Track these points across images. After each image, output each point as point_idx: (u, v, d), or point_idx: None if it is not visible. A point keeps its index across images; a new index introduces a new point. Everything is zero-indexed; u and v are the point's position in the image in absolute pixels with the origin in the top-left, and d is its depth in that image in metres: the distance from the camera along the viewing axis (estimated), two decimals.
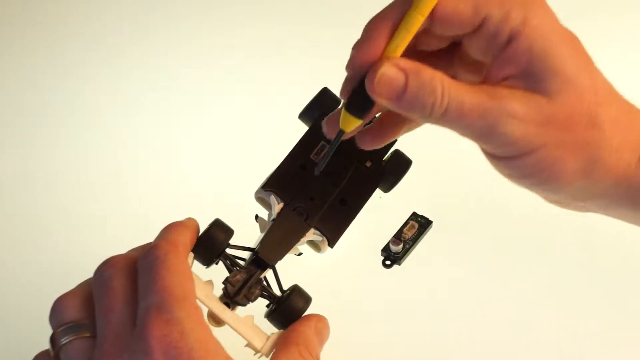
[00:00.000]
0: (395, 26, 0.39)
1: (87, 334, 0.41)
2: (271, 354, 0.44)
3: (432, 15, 0.39)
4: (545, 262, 0.64)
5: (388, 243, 0.65)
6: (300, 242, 0.48)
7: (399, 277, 0.64)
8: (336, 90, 0.50)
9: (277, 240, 0.47)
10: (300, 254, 0.49)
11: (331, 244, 0.49)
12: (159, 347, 0.37)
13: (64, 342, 0.41)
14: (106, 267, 0.42)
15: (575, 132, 0.40)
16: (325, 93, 0.50)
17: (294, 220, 0.47)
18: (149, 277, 0.40)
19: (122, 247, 0.45)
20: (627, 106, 0.42)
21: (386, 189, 0.51)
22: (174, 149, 0.76)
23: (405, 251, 0.65)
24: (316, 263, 0.55)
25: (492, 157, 0.42)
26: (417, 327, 0.62)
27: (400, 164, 0.51)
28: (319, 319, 0.46)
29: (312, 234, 0.48)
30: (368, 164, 0.50)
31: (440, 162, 0.71)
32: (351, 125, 0.41)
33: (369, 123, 0.45)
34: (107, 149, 0.76)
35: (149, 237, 0.45)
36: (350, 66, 0.41)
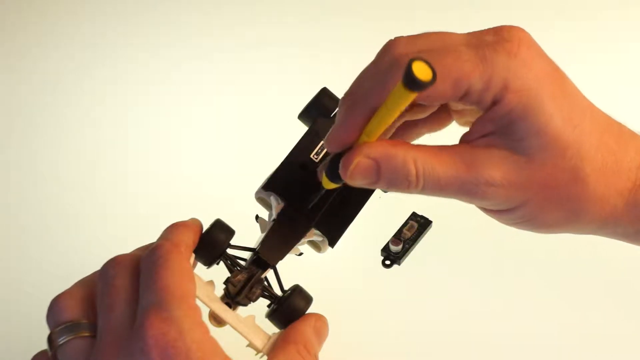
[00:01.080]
0: (372, 111, 0.38)
1: (86, 334, 0.41)
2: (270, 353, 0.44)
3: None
4: (545, 262, 0.64)
5: (388, 243, 0.65)
6: (300, 242, 0.48)
7: (398, 277, 0.64)
8: (335, 90, 0.50)
9: (278, 240, 0.47)
10: (300, 254, 0.49)
11: (332, 243, 0.49)
12: (156, 345, 0.37)
13: (61, 342, 0.41)
14: (111, 266, 0.42)
15: (557, 189, 0.40)
16: (324, 93, 0.51)
17: (295, 220, 0.47)
18: (149, 276, 0.40)
19: (124, 247, 0.45)
20: (615, 144, 0.41)
21: (386, 189, 0.51)
22: (174, 149, 0.76)
23: (405, 251, 0.65)
24: (316, 263, 0.55)
25: (481, 209, 0.44)
26: (416, 326, 0.62)
27: None
28: (318, 317, 0.46)
29: (312, 234, 0.48)
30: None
31: None
32: (332, 186, 0.43)
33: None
34: (107, 149, 0.76)
35: (150, 236, 0.45)
36: (327, 146, 0.42)
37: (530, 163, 0.38)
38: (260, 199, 0.49)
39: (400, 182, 0.40)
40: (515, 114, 0.38)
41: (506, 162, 0.39)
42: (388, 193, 0.53)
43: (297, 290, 0.47)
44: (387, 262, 0.65)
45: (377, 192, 0.52)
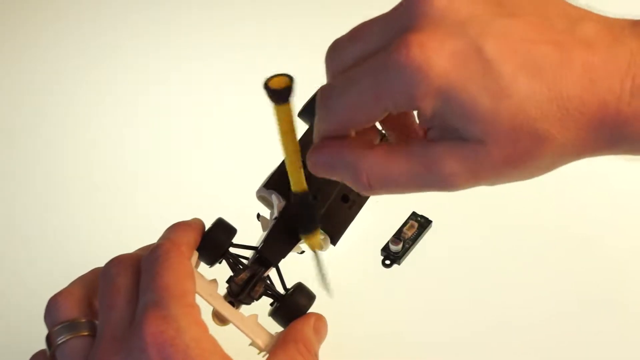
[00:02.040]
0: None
1: (85, 333, 0.41)
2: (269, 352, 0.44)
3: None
4: (545, 261, 0.64)
5: (388, 243, 0.65)
6: (302, 241, 0.48)
7: (399, 276, 0.64)
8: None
9: (280, 238, 0.47)
10: (302, 252, 0.49)
11: (333, 241, 0.49)
12: (154, 343, 0.37)
13: (60, 342, 0.41)
14: (113, 265, 0.42)
15: (523, 155, 0.36)
16: None
17: (296, 218, 0.47)
18: (149, 275, 0.40)
19: (124, 247, 0.45)
20: (575, 74, 0.35)
21: None
22: (174, 148, 0.76)
23: (405, 251, 0.65)
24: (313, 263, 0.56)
25: None
26: (416, 326, 0.62)
27: None
28: (318, 317, 0.46)
29: None
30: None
31: None
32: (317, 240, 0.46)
33: None
34: (107, 148, 0.76)
35: (151, 236, 0.45)
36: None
37: (483, 145, 0.36)
38: (261, 197, 0.49)
39: (351, 180, 0.39)
40: (440, 114, 0.35)
41: (460, 150, 0.36)
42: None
43: (299, 288, 0.47)
44: (387, 262, 0.65)
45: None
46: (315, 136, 0.40)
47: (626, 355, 0.60)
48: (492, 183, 0.38)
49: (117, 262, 0.42)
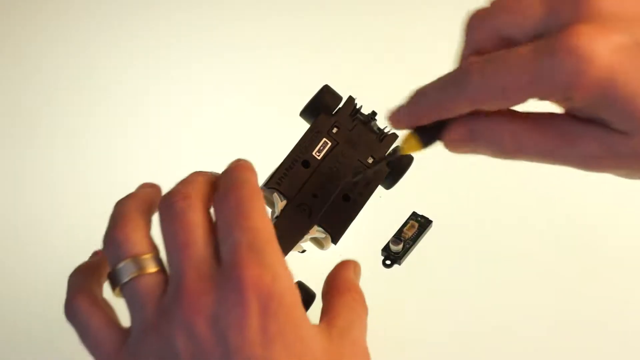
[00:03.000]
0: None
1: (154, 269, 0.38)
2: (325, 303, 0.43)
3: None
4: (545, 261, 0.64)
5: (388, 243, 0.65)
6: (303, 239, 0.48)
7: (399, 276, 0.64)
8: (336, 87, 0.50)
9: (281, 237, 0.47)
10: (303, 251, 0.49)
11: (334, 240, 0.49)
12: (253, 288, 0.36)
13: (127, 280, 0.38)
14: (178, 199, 0.39)
15: None
16: (326, 90, 0.50)
17: (297, 217, 0.47)
18: (238, 212, 0.38)
19: None
20: None
21: (388, 186, 0.51)
22: (174, 148, 0.76)
23: (405, 251, 0.65)
24: (316, 262, 0.55)
25: None
26: (416, 326, 0.62)
27: (402, 161, 0.51)
28: (355, 263, 0.46)
29: (315, 231, 0.48)
30: (370, 161, 0.50)
31: (441, 162, 0.71)
32: (412, 149, 0.42)
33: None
34: (107, 149, 0.76)
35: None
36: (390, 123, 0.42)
37: (631, 137, 0.36)
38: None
39: (493, 149, 0.39)
40: (596, 107, 0.36)
41: (607, 137, 0.36)
42: (388, 192, 0.53)
43: (300, 287, 0.47)
44: (387, 262, 0.65)
45: (378, 192, 0.52)
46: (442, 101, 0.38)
47: (628, 354, 0.60)
48: (627, 175, 0.39)
49: (183, 196, 0.39)
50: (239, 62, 0.83)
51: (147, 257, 0.38)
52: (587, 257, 0.65)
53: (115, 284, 0.38)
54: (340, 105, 0.50)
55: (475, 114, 0.38)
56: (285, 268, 0.38)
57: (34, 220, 0.71)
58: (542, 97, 0.36)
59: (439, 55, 0.78)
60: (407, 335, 0.61)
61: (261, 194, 0.39)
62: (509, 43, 0.37)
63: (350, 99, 0.50)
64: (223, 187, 0.39)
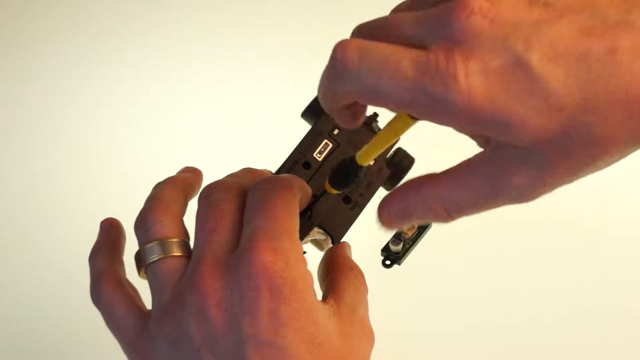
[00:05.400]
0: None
1: (179, 253, 0.39)
2: (326, 281, 0.43)
3: None
4: (545, 261, 0.64)
5: (388, 243, 0.65)
6: (304, 241, 0.48)
7: (399, 276, 0.64)
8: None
9: None
10: (304, 253, 0.49)
11: (335, 242, 0.49)
12: (264, 272, 0.36)
13: (151, 260, 0.39)
14: (217, 190, 0.40)
15: (583, 156, 0.34)
16: None
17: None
18: (261, 202, 0.39)
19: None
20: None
21: (389, 187, 0.52)
22: (174, 149, 0.76)
23: (405, 251, 0.65)
24: (316, 262, 0.55)
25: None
26: (417, 326, 0.62)
27: (403, 162, 0.51)
28: (348, 245, 0.47)
29: (316, 232, 0.48)
30: (371, 162, 0.50)
31: (441, 162, 0.71)
32: (334, 191, 0.44)
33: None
34: (105, 149, 0.76)
35: None
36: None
37: (542, 154, 0.34)
38: None
39: (433, 219, 0.39)
40: (489, 134, 0.34)
41: (522, 160, 0.34)
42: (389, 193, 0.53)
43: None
44: (387, 262, 0.65)
45: (378, 192, 0.52)
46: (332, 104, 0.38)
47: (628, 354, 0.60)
48: (564, 184, 0.37)
49: (223, 188, 0.40)
50: (241, 64, 0.83)
51: (174, 241, 0.39)
52: (587, 257, 0.65)
53: (140, 263, 0.39)
54: None
55: (401, 192, 0.38)
56: (300, 255, 0.38)
57: (34, 220, 0.71)
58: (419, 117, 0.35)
59: None
60: (407, 335, 0.61)
61: (294, 189, 0.40)
62: None
63: None
64: (259, 180, 0.40)
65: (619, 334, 0.61)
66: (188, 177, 0.44)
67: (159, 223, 0.39)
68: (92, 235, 0.69)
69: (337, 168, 0.43)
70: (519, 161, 0.35)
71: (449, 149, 0.68)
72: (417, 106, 0.33)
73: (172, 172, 0.74)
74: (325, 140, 0.50)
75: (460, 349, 0.60)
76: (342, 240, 0.47)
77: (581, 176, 0.36)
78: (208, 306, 0.36)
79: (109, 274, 0.41)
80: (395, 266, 0.65)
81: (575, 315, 0.62)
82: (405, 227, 0.53)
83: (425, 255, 0.65)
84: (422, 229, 0.66)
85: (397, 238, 0.66)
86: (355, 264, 0.44)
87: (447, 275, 0.64)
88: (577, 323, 0.61)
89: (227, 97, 0.80)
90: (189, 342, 0.37)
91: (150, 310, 0.39)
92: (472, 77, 0.31)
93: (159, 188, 0.42)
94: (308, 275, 0.38)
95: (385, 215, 0.39)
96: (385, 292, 0.64)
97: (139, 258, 0.39)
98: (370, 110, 0.50)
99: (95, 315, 0.41)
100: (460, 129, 0.35)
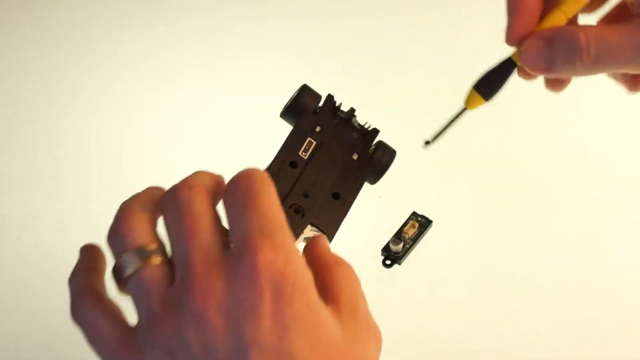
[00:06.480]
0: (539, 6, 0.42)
1: (159, 259, 0.36)
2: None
3: None
4: (545, 262, 0.64)
5: (388, 243, 0.65)
6: (298, 240, 0.48)
7: (399, 276, 0.64)
8: (318, 88, 0.50)
9: None
10: None
11: (329, 238, 0.49)
12: (266, 272, 0.34)
13: (132, 272, 0.36)
14: (182, 190, 0.37)
15: None
16: (305, 90, 0.51)
17: (291, 217, 0.47)
18: (247, 201, 0.37)
19: None
20: None
21: (373, 181, 0.52)
22: (175, 150, 0.76)
23: (405, 251, 0.65)
24: None
25: None
26: (417, 326, 0.62)
27: (385, 155, 0.50)
28: (324, 237, 0.45)
29: (309, 231, 0.48)
30: (355, 157, 0.50)
31: (441, 162, 0.71)
32: (475, 104, 0.46)
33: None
34: (103, 150, 0.76)
35: None
36: (507, 41, 0.44)
37: None
38: None
39: (572, 53, 0.41)
40: None
41: None
42: (388, 193, 0.53)
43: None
44: (388, 262, 0.65)
45: (378, 192, 0.52)
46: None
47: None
48: None
49: (187, 188, 0.37)
50: (241, 63, 0.83)
51: (152, 248, 0.36)
52: (588, 258, 0.65)
53: (119, 278, 0.36)
54: (321, 104, 0.50)
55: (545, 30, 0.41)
56: (297, 250, 0.36)
57: (33, 221, 0.71)
58: None
59: (415, 55, 0.79)
60: (407, 335, 0.61)
61: (271, 181, 0.38)
62: None
63: (330, 97, 0.51)
64: (232, 179, 0.38)
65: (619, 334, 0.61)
66: (154, 193, 0.40)
67: (133, 231, 0.37)
68: (91, 235, 0.69)
69: (489, 74, 0.45)
70: None
71: (447, 153, 0.68)
72: None
73: (172, 172, 0.74)
74: (309, 138, 0.49)
75: (461, 348, 0.60)
76: (318, 235, 0.45)
77: None
78: (206, 309, 0.34)
79: (87, 292, 0.38)
80: (395, 266, 0.65)
81: (576, 315, 0.62)
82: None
83: (425, 255, 0.65)
84: (422, 229, 0.66)
85: (397, 238, 0.66)
86: (341, 258, 0.41)
87: (447, 275, 0.64)
88: (578, 324, 0.61)
89: (227, 97, 0.80)
90: (186, 351, 0.35)
91: (136, 324, 0.37)
92: None
93: (125, 204, 0.39)
94: (307, 272, 0.36)
95: (529, 48, 0.42)
96: (385, 292, 0.64)
97: (117, 271, 0.37)
98: (347, 104, 0.51)
99: None
100: None
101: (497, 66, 0.45)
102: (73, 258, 0.43)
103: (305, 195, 0.48)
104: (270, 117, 0.53)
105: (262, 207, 0.36)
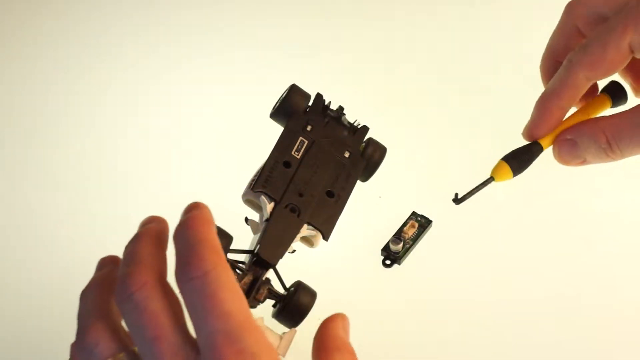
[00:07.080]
0: (562, 110, 0.48)
1: None
2: None
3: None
4: (545, 262, 0.64)
5: (388, 243, 0.65)
6: (295, 239, 0.48)
7: (399, 276, 0.64)
8: (309, 88, 0.50)
9: (275, 239, 0.47)
10: (293, 252, 0.49)
11: (325, 237, 0.49)
12: None
13: None
14: (135, 289, 0.37)
15: None
16: (294, 90, 0.51)
17: (287, 217, 0.48)
18: (204, 298, 0.36)
19: (111, 251, 0.44)
20: None
21: (365, 178, 0.52)
22: (174, 150, 0.76)
23: (405, 251, 0.65)
24: (315, 263, 0.55)
25: None
26: (417, 326, 0.62)
27: (377, 152, 0.51)
28: (342, 317, 0.43)
29: (305, 230, 0.48)
30: (346, 155, 0.50)
31: (440, 162, 0.71)
32: (503, 177, 0.49)
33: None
34: (100, 152, 0.76)
35: None
36: (524, 136, 0.49)
37: None
38: (248, 200, 0.49)
39: (599, 152, 0.47)
40: None
41: None
42: (388, 193, 0.53)
43: (301, 286, 0.47)
44: (387, 262, 0.65)
45: (377, 192, 0.52)
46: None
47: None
48: None
49: (139, 285, 0.37)
50: (240, 63, 0.83)
51: (120, 358, 0.37)
52: (588, 258, 0.65)
53: None
54: (310, 104, 0.51)
55: (571, 127, 0.47)
56: (264, 345, 0.36)
57: (34, 221, 0.71)
58: None
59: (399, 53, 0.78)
60: (406, 335, 0.61)
61: (226, 263, 0.37)
62: None
63: (319, 96, 0.51)
64: (181, 261, 0.37)
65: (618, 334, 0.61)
66: (111, 271, 0.40)
67: (99, 343, 0.37)
68: (91, 235, 0.69)
69: (519, 152, 0.48)
70: None
71: (447, 153, 0.68)
72: None
73: (171, 172, 0.74)
74: (301, 138, 0.50)
75: (461, 349, 0.60)
76: (337, 314, 0.43)
77: None
78: None
79: (101, 318, 0.39)
80: (395, 266, 0.65)
81: (578, 317, 0.61)
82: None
83: (425, 256, 0.65)
84: (422, 229, 0.66)
85: (397, 238, 0.66)
86: (343, 342, 0.41)
87: (447, 275, 0.64)
88: (578, 324, 0.61)
89: (227, 97, 0.80)
90: None
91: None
92: None
93: (84, 296, 0.40)
94: None
95: (559, 149, 0.48)
96: (385, 292, 0.64)
97: None
98: (336, 103, 0.51)
99: None
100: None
101: (525, 146, 0.48)
102: (72, 258, 0.43)
103: (300, 195, 0.48)
104: (259, 117, 0.53)
105: (223, 306, 0.36)
